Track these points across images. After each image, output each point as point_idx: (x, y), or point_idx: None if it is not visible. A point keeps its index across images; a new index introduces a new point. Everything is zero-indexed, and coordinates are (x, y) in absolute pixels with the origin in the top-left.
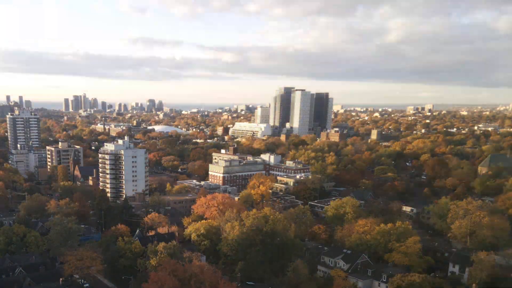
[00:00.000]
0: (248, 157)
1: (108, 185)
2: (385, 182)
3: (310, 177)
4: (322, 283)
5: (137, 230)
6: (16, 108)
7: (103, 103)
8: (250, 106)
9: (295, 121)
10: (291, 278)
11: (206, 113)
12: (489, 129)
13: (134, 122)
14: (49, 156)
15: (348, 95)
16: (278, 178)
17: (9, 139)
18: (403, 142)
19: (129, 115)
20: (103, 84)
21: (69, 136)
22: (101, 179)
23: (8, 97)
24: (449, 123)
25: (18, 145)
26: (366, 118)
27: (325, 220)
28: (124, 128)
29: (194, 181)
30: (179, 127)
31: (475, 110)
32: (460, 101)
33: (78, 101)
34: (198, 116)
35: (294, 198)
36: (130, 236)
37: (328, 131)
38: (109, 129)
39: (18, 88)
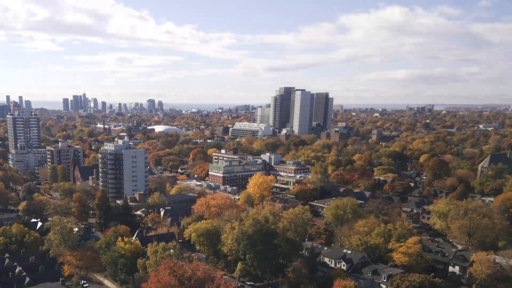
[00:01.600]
0: (248, 157)
1: (108, 185)
2: (385, 182)
3: (310, 177)
4: (322, 283)
5: (137, 230)
6: (16, 108)
7: (103, 103)
8: (250, 106)
9: (295, 121)
10: (291, 278)
11: (206, 113)
12: (489, 129)
13: (134, 122)
14: (49, 156)
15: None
16: (278, 178)
17: (9, 139)
18: (403, 142)
19: (129, 115)
20: None
21: (69, 136)
22: (101, 179)
23: (8, 97)
24: (449, 123)
25: (18, 145)
26: (366, 118)
27: (325, 220)
28: (124, 128)
29: (194, 181)
30: (179, 127)
31: (475, 110)
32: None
33: (77, 101)
34: (198, 116)
35: (294, 198)
36: (130, 236)
37: (328, 131)
38: (109, 129)
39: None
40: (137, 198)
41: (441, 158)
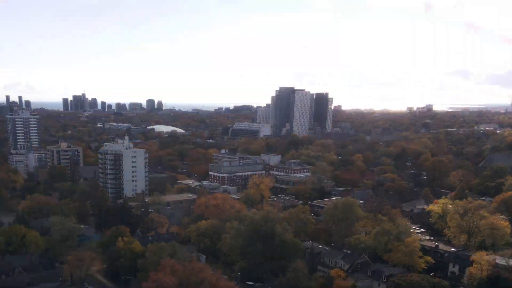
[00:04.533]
0: (248, 157)
1: (108, 185)
2: (385, 182)
3: (310, 177)
4: (322, 283)
5: (137, 230)
6: (15, 108)
7: (103, 103)
8: (250, 106)
9: (295, 121)
10: (291, 278)
11: (206, 113)
12: (489, 129)
13: (134, 122)
14: (49, 156)
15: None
16: (278, 178)
17: (9, 139)
18: (403, 142)
19: (129, 115)
20: None
21: (69, 136)
22: (101, 179)
23: (7, 97)
24: (449, 123)
25: (18, 145)
26: (366, 118)
27: (325, 220)
28: (123, 128)
29: (194, 181)
30: (178, 127)
31: (475, 110)
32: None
33: (77, 101)
34: (198, 116)
35: (294, 198)
36: (130, 236)
37: (328, 131)
38: (109, 129)
39: None
40: (137, 198)
41: (441, 158)
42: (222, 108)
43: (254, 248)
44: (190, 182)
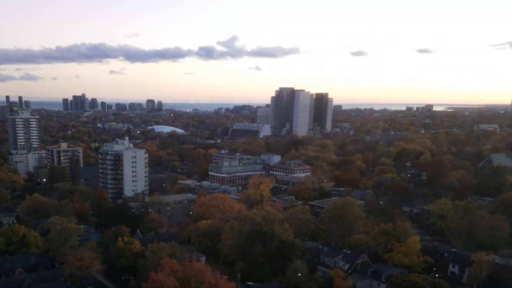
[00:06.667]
0: (247, 157)
1: (108, 186)
2: (385, 182)
3: (310, 177)
4: (322, 283)
5: (137, 230)
6: (15, 108)
7: (103, 103)
8: (250, 106)
9: (295, 121)
10: (291, 278)
11: (206, 113)
12: (489, 129)
13: (134, 122)
14: (49, 157)
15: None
16: (278, 178)
17: (9, 139)
18: (402, 142)
19: (129, 115)
20: None
21: (69, 136)
22: (101, 179)
23: (7, 97)
24: (448, 123)
25: (18, 146)
26: (365, 118)
27: (325, 220)
28: (123, 128)
29: (194, 181)
30: (178, 127)
31: (474, 110)
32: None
33: (77, 101)
34: (198, 116)
35: (294, 198)
36: (130, 236)
37: (328, 131)
38: (108, 129)
39: None
40: (137, 199)
41: (441, 158)
42: (222, 108)
43: (254, 248)
44: (190, 182)
